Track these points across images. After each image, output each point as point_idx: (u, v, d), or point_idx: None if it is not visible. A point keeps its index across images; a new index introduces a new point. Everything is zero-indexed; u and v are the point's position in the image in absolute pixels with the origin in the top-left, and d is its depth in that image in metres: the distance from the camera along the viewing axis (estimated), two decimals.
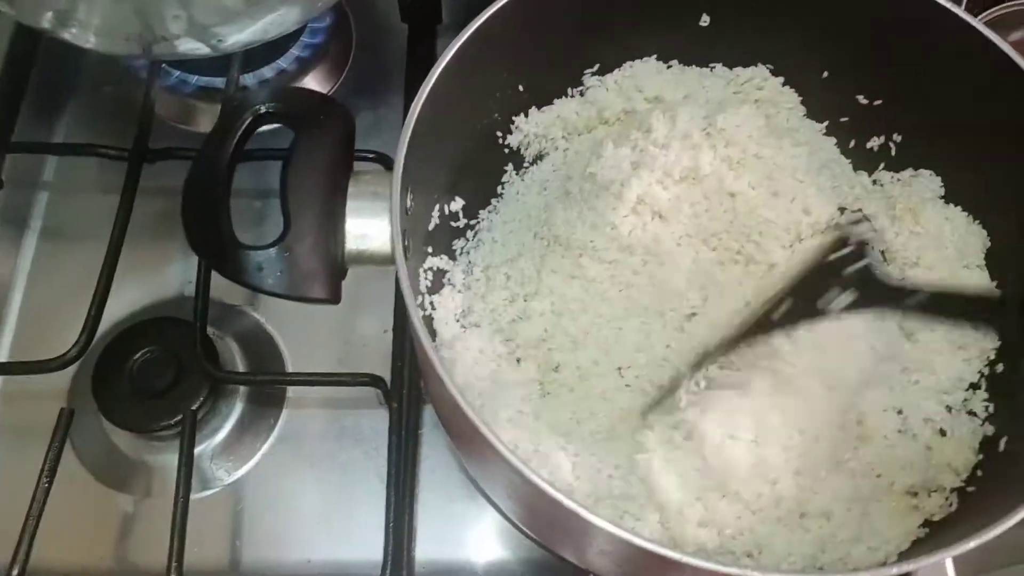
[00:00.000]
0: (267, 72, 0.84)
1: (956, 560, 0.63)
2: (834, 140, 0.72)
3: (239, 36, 0.70)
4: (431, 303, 0.65)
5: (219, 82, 0.82)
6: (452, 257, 0.68)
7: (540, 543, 0.67)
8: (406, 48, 0.86)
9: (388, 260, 0.54)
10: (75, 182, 0.83)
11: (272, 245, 0.53)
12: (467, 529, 0.70)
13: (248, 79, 0.84)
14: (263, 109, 0.57)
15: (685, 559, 0.45)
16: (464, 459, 0.65)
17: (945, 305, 0.59)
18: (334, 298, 0.54)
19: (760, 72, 0.71)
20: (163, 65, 0.82)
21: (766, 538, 0.56)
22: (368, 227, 0.54)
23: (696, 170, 0.64)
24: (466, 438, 0.52)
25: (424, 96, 0.56)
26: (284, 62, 0.85)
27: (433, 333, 0.64)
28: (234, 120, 0.57)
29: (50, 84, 0.86)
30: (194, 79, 0.84)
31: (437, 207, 0.66)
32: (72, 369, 0.69)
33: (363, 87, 0.88)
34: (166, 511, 0.64)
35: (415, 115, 0.55)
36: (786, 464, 0.57)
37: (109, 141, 0.78)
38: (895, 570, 0.47)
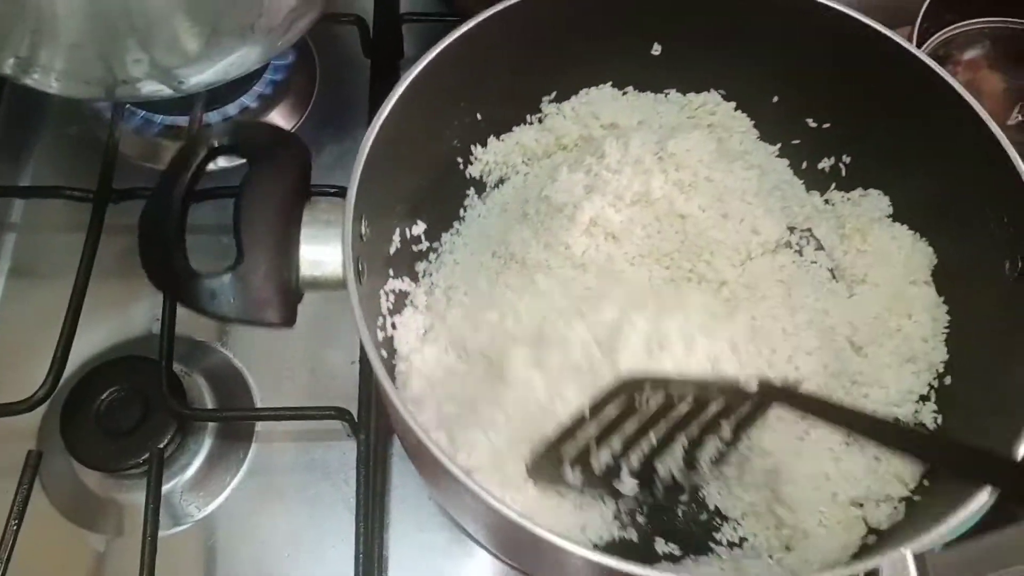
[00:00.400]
0: (231, 109, 0.85)
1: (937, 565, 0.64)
2: (787, 162, 0.74)
3: (201, 77, 0.71)
4: (393, 324, 0.66)
5: (183, 121, 0.83)
6: (415, 279, 0.69)
7: (516, 567, 0.67)
8: (369, 83, 0.87)
9: (342, 285, 0.55)
10: (42, 222, 0.84)
11: (226, 272, 0.54)
12: (438, 558, 0.70)
13: (212, 117, 0.84)
14: (217, 143, 0.58)
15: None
16: (429, 486, 0.66)
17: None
18: (288, 322, 0.56)
19: (712, 97, 0.74)
20: (128, 106, 0.83)
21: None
22: (322, 254, 0.56)
23: (647, 194, 0.66)
24: (427, 465, 0.53)
25: (377, 128, 0.58)
26: (248, 99, 0.86)
27: (394, 352, 0.65)
28: (189, 154, 0.58)
29: (15, 127, 0.87)
30: (159, 119, 0.84)
31: (398, 231, 0.67)
32: (40, 410, 0.69)
33: (327, 122, 0.89)
34: (137, 549, 0.64)
35: (367, 146, 0.57)
36: None
37: (75, 181, 0.79)
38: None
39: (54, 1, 0.60)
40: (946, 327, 0.65)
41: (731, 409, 0.57)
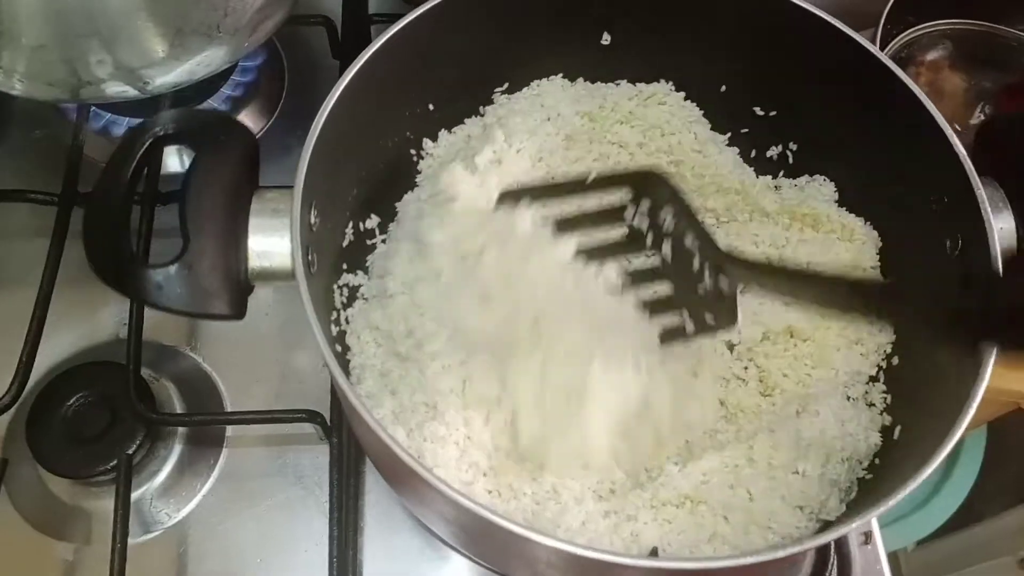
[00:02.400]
0: None
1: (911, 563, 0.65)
2: (736, 150, 0.74)
3: (166, 78, 0.70)
4: (346, 319, 0.65)
5: None
6: (367, 272, 0.69)
7: (487, 566, 0.67)
8: None
9: (291, 276, 0.54)
10: (6, 227, 0.82)
11: (172, 263, 0.53)
12: (413, 561, 0.70)
13: None
14: (162, 131, 0.57)
15: (622, 560, 0.47)
16: (392, 486, 0.65)
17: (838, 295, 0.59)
18: (237, 314, 0.55)
19: (662, 88, 0.74)
20: (93, 108, 0.82)
21: (668, 533, 0.57)
22: (270, 244, 0.55)
23: None
24: (388, 464, 0.53)
25: (325, 115, 0.57)
26: (216, 101, 0.85)
27: (348, 348, 0.64)
28: (133, 142, 0.57)
29: None
30: (124, 121, 0.83)
31: (351, 224, 0.67)
32: (5, 417, 0.68)
33: (296, 124, 0.88)
34: (107, 558, 0.63)
35: (315, 133, 0.56)
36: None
37: (40, 185, 0.78)
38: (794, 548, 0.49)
39: (14, 2, 0.59)
40: None
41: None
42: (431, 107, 0.71)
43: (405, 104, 0.69)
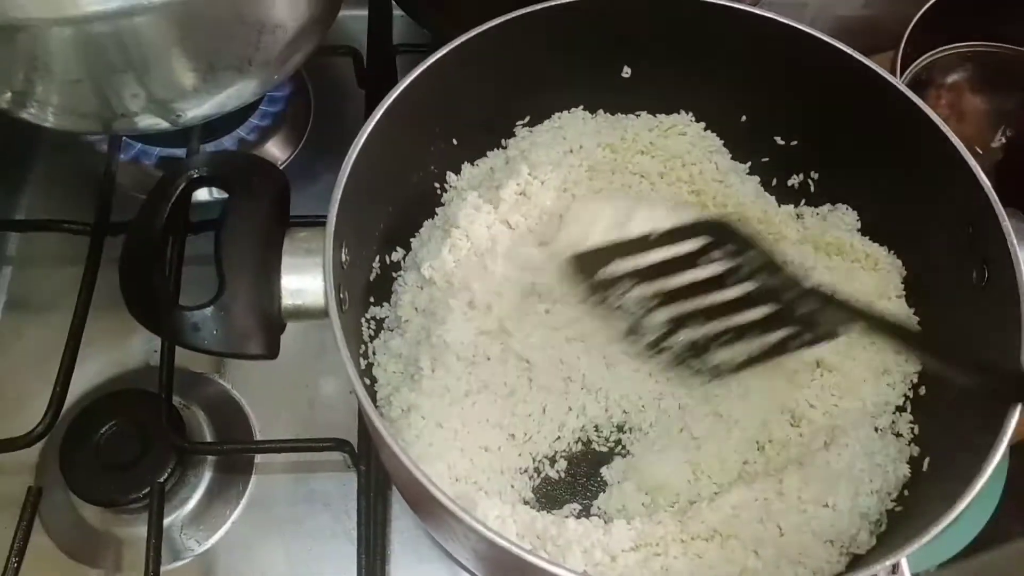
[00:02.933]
0: (227, 142, 0.86)
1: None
2: (757, 179, 0.75)
3: (198, 111, 0.71)
4: (373, 350, 0.66)
5: (180, 152, 0.83)
6: (391, 303, 0.70)
7: None
8: (364, 113, 0.88)
9: (324, 314, 0.55)
10: (39, 255, 0.84)
11: (207, 305, 0.54)
12: None
13: (209, 148, 0.85)
14: (196, 174, 0.59)
15: None
16: (419, 516, 0.66)
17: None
18: (271, 354, 0.56)
19: (682, 118, 0.75)
20: (124, 138, 0.83)
21: (699, 568, 0.57)
22: (303, 283, 0.56)
23: None
24: (417, 496, 0.54)
25: (355, 155, 0.58)
26: (244, 131, 0.86)
27: (375, 380, 0.65)
28: (167, 186, 0.58)
29: (11, 159, 0.87)
30: (155, 151, 0.85)
31: (377, 258, 0.68)
32: (39, 445, 0.69)
33: (322, 152, 0.89)
34: None
35: (346, 173, 0.57)
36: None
37: (72, 214, 0.79)
38: None
39: (49, 37, 0.60)
40: None
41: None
42: (455, 141, 0.72)
43: (430, 139, 0.71)
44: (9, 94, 0.66)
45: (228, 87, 0.70)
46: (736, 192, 0.73)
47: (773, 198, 0.75)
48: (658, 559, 0.57)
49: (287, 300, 0.56)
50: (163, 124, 0.72)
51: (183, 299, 0.64)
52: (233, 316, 0.54)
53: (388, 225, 0.68)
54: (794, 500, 0.59)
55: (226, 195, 0.59)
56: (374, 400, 0.63)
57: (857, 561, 0.57)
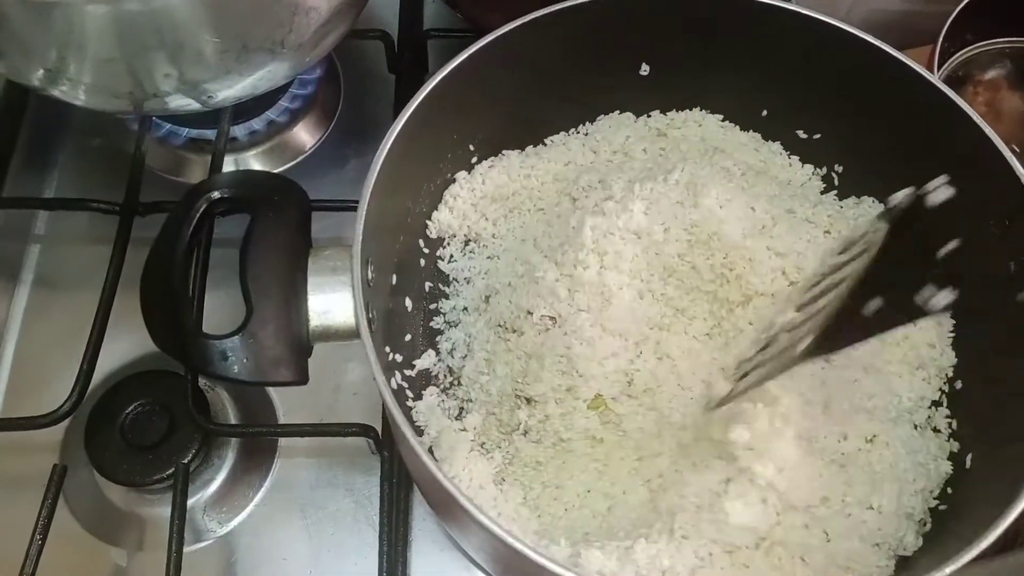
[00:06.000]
0: (256, 124, 0.85)
1: None
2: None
3: (229, 92, 0.71)
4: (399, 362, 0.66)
5: (210, 134, 0.83)
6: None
7: None
8: (394, 98, 0.87)
9: (354, 334, 0.54)
10: (67, 234, 0.84)
11: (235, 333, 0.53)
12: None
13: (238, 130, 0.85)
14: (216, 195, 0.58)
15: None
16: (447, 527, 0.66)
17: None
18: (301, 379, 0.55)
19: (694, 115, 0.75)
20: (154, 118, 0.83)
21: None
22: (330, 303, 0.55)
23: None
24: (440, 503, 0.53)
25: (376, 171, 0.58)
26: (274, 113, 0.86)
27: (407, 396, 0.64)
28: (188, 208, 0.58)
29: (40, 138, 0.87)
30: (184, 131, 0.84)
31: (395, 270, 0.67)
32: (64, 423, 0.69)
33: (351, 136, 0.89)
34: (159, 564, 0.63)
35: (368, 190, 0.56)
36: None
37: (100, 194, 0.79)
38: None
39: (84, 15, 0.60)
40: (951, 332, 0.65)
41: None
42: (471, 147, 0.72)
43: (448, 145, 0.70)
44: (42, 71, 0.66)
45: (260, 68, 0.69)
46: None
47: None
48: (706, 572, 0.55)
49: (315, 321, 0.55)
50: (194, 105, 0.71)
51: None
52: (262, 343, 0.53)
53: (407, 237, 0.68)
54: (838, 504, 0.57)
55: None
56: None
57: (904, 564, 0.56)
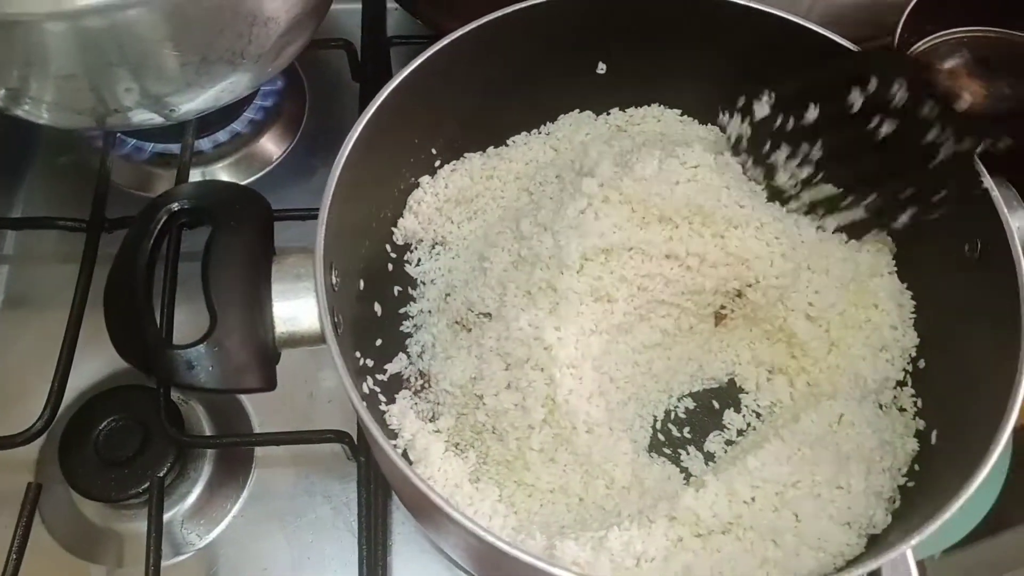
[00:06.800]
0: (222, 136, 0.86)
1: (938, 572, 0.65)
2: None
3: (192, 105, 0.71)
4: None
5: (175, 148, 0.83)
6: None
7: None
8: (359, 106, 0.88)
9: (320, 339, 0.54)
10: (35, 253, 0.84)
11: (199, 342, 0.53)
12: None
13: (204, 143, 0.85)
14: (177, 207, 0.58)
15: None
16: (424, 529, 0.66)
17: None
18: (268, 386, 0.55)
19: (653, 111, 0.76)
20: (118, 134, 0.83)
21: (719, 563, 0.56)
22: (295, 309, 0.55)
23: None
24: (416, 504, 0.53)
25: (337, 172, 0.58)
26: (239, 125, 0.86)
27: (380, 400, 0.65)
28: (148, 221, 0.58)
29: (6, 158, 0.87)
30: (149, 146, 0.85)
31: (362, 276, 0.67)
32: (38, 441, 0.69)
33: (318, 146, 0.89)
34: None
35: (330, 192, 0.57)
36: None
37: (68, 211, 0.79)
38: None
39: (44, 33, 0.60)
40: (913, 313, 0.66)
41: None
42: (433, 151, 0.72)
43: (410, 150, 0.71)
44: (3, 91, 0.66)
45: (221, 80, 0.70)
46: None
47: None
48: (679, 557, 0.56)
49: (280, 328, 0.55)
50: (157, 119, 0.71)
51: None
52: (228, 351, 0.53)
53: (372, 241, 0.69)
54: (808, 486, 0.58)
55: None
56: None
57: (875, 541, 0.57)
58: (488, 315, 0.66)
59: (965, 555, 1.30)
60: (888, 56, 0.62)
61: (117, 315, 0.55)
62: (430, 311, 0.70)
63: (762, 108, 0.67)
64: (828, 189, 0.66)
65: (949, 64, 1.01)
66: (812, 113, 0.64)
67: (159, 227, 0.57)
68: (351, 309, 0.63)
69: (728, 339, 0.69)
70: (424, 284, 0.71)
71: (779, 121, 0.66)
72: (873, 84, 0.62)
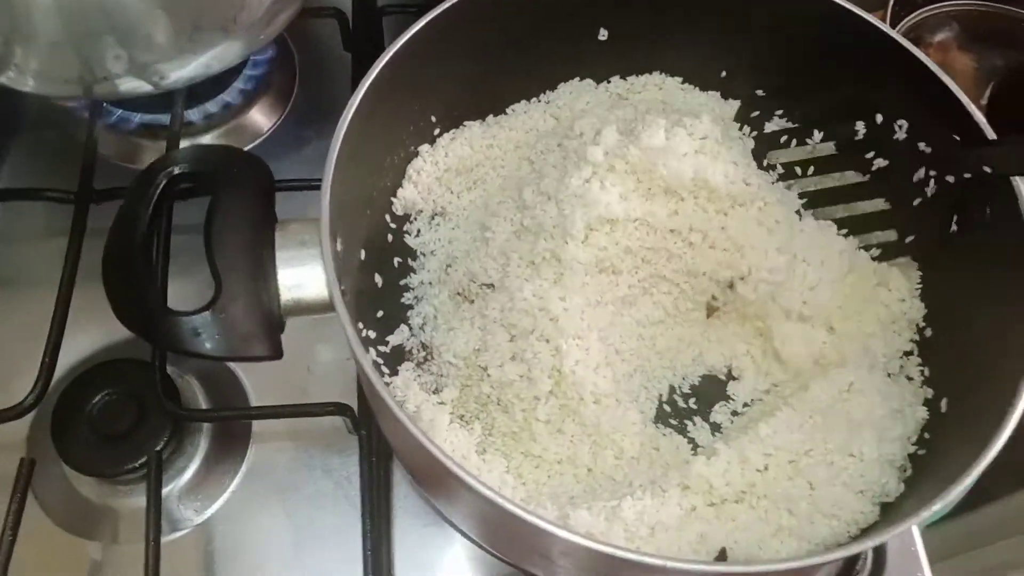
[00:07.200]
0: (211, 106, 0.84)
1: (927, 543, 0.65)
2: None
3: (181, 72, 0.69)
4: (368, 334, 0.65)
5: (163, 118, 0.81)
6: None
7: (511, 563, 0.66)
8: (350, 77, 0.86)
9: (327, 307, 0.53)
10: (22, 228, 0.82)
11: (205, 309, 0.52)
12: (444, 550, 0.69)
13: (193, 114, 0.83)
14: (176, 170, 0.57)
15: (645, 559, 0.46)
16: (432, 498, 0.65)
17: None
18: (275, 354, 0.54)
19: (654, 79, 0.75)
20: (104, 104, 0.81)
21: (733, 531, 0.56)
22: (301, 276, 0.54)
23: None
24: (426, 473, 0.53)
25: (340, 138, 0.56)
26: (228, 96, 0.85)
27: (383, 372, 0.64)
28: (147, 186, 0.56)
29: None
30: (136, 117, 0.83)
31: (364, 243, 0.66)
32: (29, 417, 0.67)
33: (309, 117, 0.88)
34: (136, 557, 0.62)
35: (332, 160, 0.55)
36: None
37: (54, 183, 0.77)
38: (868, 543, 0.50)
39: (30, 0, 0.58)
40: (919, 284, 0.66)
41: None
42: (433, 118, 0.71)
43: (409, 118, 0.69)
44: None
45: (212, 48, 0.68)
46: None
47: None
48: (693, 526, 0.56)
49: (286, 295, 0.54)
50: (145, 87, 0.70)
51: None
52: (233, 318, 0.52)
53: (373, 209, 0.67)
54: (820, 454, 0.58)
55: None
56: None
57: (888, 510, 0.57)
58: (491, 286, 0.65)
59: (951, 527, 1.31)
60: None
61: (117, 281, 0.54)
62: (431, 282, 0.69)
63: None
64: (879, 203, 0.67)
65: (939, 37, 1.02)
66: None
67: (159, 191, 0.55)
68: (352, 280, 0.62)
69: (721, 333, 0.68)
70: (424, 255, 0.70)
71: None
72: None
